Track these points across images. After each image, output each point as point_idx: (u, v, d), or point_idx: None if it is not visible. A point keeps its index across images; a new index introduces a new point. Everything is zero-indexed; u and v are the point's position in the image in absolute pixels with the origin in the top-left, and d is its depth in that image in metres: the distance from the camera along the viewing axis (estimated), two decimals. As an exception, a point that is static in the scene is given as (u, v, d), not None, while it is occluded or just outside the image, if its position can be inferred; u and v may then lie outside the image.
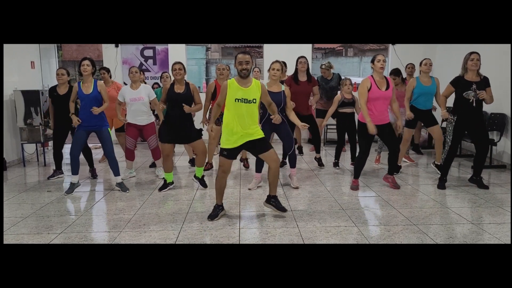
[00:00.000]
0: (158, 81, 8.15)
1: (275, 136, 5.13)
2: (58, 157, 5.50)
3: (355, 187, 4.84)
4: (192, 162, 6.23)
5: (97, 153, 6.91)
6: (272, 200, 3.94)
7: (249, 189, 4.88)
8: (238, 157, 4.92)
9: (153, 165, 6.08)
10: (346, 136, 5.96)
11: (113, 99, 5.47)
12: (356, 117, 5.17)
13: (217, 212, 3.87)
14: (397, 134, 4.86)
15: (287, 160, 5.24)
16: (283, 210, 3.91)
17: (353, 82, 5.94)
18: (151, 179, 5.46)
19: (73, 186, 4.83)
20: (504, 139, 5.86)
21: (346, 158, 6.54)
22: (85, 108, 4.68)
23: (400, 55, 8.04)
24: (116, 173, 4.87)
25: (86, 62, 4.63)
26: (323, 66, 6.62)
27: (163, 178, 5.38)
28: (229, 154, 3.73)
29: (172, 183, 4.90)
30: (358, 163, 4.83)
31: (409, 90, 5.33)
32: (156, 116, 5.83)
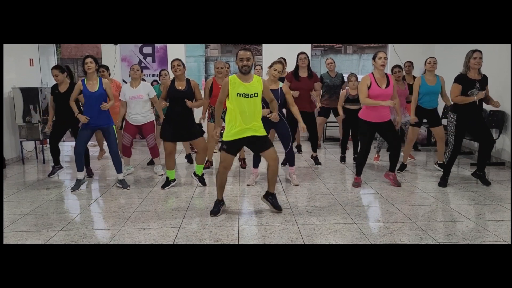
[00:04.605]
0: (157, 78, 8.14)
1: (276, 135, 5.12)
2: (55, 152, 5.46)
3: (357, 184, 4.83)
4: (188, 157, 6.22)
5: (95, 151, 6.91)
6: (269, 197, 3.97)
7: (248, 185, 4.91)
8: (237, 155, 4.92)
9: (151, 163, 6.07)
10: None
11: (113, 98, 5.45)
12: None
13: (218, 207, 3.91)
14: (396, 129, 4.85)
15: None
16: (279, 209, 3.93)
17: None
18: (149, 176, 5.46)
19: (79, 183, 4.83)
20: (503, 136, 5.87)
21: (348, 154, 6.53)
22: (91, 106, 4.64)
23: (399, 53, 8.03)
24: (119, 170, 4.87)
25: (90, 60, 4.62)
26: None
27: (162, 175, 5.39)
28: (229, 147, 3.73)
29: (174, 180, 4.91)
30: (360, 160, 4.82)
31: (415, 89, 5.24)
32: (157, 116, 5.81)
